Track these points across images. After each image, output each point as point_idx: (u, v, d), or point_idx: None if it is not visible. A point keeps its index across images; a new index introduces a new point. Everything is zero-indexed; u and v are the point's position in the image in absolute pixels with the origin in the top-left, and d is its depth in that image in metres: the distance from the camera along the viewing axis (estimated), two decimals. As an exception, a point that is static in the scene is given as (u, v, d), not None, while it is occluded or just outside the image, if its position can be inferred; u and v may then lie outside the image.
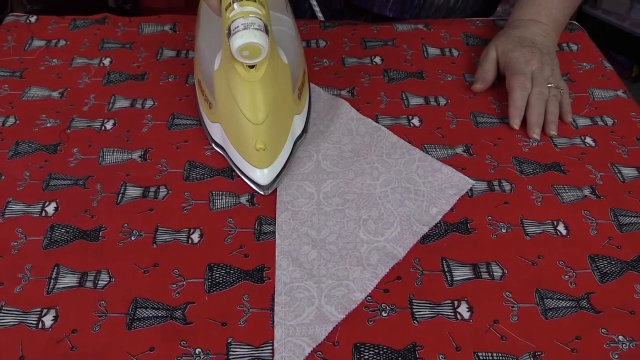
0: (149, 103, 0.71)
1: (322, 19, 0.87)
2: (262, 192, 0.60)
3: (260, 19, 0.53)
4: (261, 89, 0.57)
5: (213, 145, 0.64)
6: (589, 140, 0.68)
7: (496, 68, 0.75)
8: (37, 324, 0.49)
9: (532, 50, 0.73)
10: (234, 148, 0.60)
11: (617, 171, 0.64)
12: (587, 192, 0.62)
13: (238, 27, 0.52)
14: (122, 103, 0.71)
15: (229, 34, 0.53)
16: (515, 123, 0.69)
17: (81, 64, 0.76)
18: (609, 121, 0.71)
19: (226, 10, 0.55)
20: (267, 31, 0.53)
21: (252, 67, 0.56)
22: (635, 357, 0.48)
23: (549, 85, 0.70)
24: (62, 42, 0.80)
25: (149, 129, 0.67)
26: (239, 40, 0.52)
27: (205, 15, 0.69)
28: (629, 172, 0.64)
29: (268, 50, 0.54)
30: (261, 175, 0.59)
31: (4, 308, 0.50)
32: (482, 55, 0.77)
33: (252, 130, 0.58)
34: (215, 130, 0.63)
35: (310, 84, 0.74)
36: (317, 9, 0.86)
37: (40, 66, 0.76)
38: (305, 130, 0.65)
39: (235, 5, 0.54)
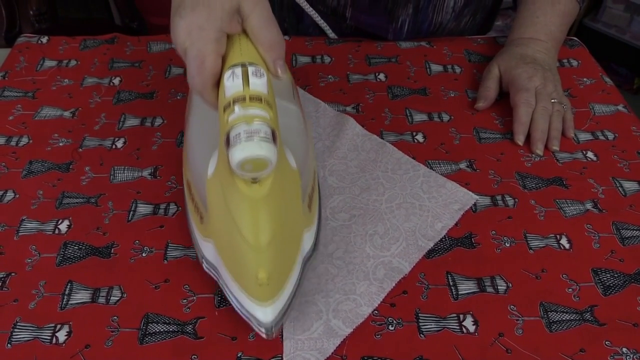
0: (158, 121, 0.72)
1: (335, 37, 0.88)
2: (264, 334, 0.47)
3: (267, 125, 0.43)
4: (266, 208, 0.46)
5: (204, 264, 0.52)
6: (590, 154, 0.69)
7: (498, 85, 0.77)
8: (51, 339, 0.50)
9: (534, 67, 0.74)
10: (229, 275, 0.49)
11: (618, 185, 0.65)
12: (589, 206, 0.63)
13: (239, 135, 0.42)
14: (132, 121, 0.72)
15: (228, 143, 0.42)
16: (520, 139, 0.70)
17: (92, 84, 0.78)
18: (610, 135, 0.72)
19: (224, 111, 0.44)
20: (275, 138, 0.43)
21: (254, 180, 0.45)
22: (639, 369, 0.49)
23: (553, 100, 0.72)
24: (73, 62, 0.81)
25: (159, 147, 0.69)
26: (240, 153, 0.41)
27: (198, 100, 0.53)
28: (630, 185, 0.65)
29: (276, 163, 0.43)
30: (263, 313, 0.47)
31: (18, 324, 0.52)
32: (484, 72, 0.79)
33: (253, 256, 0.46)
34: (207, 249, 0.51)
35: (316, 99, 0.75)
36: (329, 31, 0.87)
37: (52, 86, 0.77)
38: (316, 246, 0.54)
39: (236, 108, 0.43)
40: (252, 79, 0.44)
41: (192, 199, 0.54)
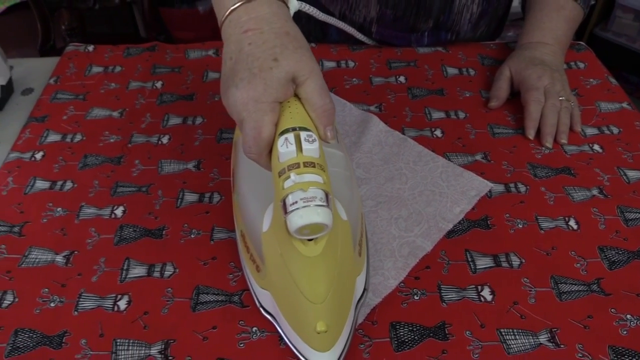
0: (198, 120, 0.79)
1: (373, 42, 0.93)
2: None
3: (322, 190, 0.45)
4: (322, 265, 0.49)
5: (261, 310, 0.55)
6: (596, 147, 0.75)
7: (509, 85, 0.83)
8: (113, 307, 0.57)
9: (543, 68, 0.80)
10: (288, 325, 0.52)
11: (622, 174, 0.71)
12: (595, 192, 0.69)
13: (297, 202, 0.44)
14: (174, 120, 0.79)
15: (285, 209, 0.45)
16: (530, 134, 0.76)
17: (136, 87, 0.85)
18: (615, 130, 0.78)
19: (279, 176, 0.46)
20: (329, 201, 0.45)
21: (310, 239, 0.48)
22: (641, 333, 0.55)
23: (561, 98, 0.78)
24: (118, 68, 0.89)
25: (200, 143, 0.75)
26: (298, 220, 0.44)
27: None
28: (634, 174, 0.71)
29: (332, 225, 0.46)
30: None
31: (83, 294, 0.58)
32: (496, 74, 0.85)
33: (312, 310, 0.49)
34: (265, 298, 0.54)
35: (342, 99, 0.82)
36: (363, 38, 0.92)
37: (100, 89, 0.85)
38: (366, 288, 0.56)
39: (292, 175, 0.45)
40: (304, 145, 0.46)
41: (247, 249, 0.56)
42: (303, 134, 0.47)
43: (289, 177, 0.45)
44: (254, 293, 0.56)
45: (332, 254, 0.49)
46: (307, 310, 0.49)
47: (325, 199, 0.45)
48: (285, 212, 0.45)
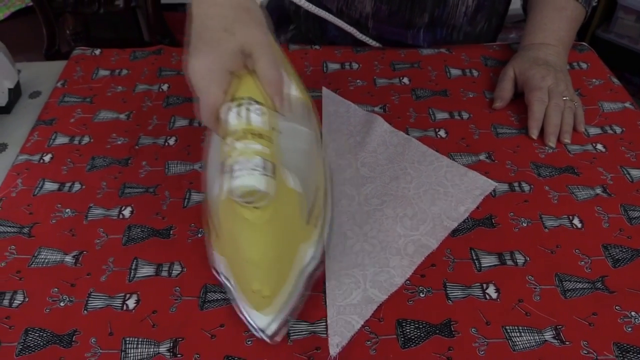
0: (204, 121, 0.80)
1: (379, 45, 0.94)
2: (264, 337, 0.53)
3: (264, 159, 0.47)
4: (263, 229, 0.50)
5: (215, 273, 0.58)
6: (599, 146, 0.76)
7: (513, 86, 0.84)
8: (122, 306, 0.58)
9: (547, 68, 0.81)
10: (237, 286, 0.55)
11: (626, 172, 0.72)
12: (599, 190, 0.69)
13: (237, 169, 0.46)
14: (181, 122, 0.80)
15: (225, 174, 0.46)
16: (534, 133, 0.77)
17: (143, 90, 0.86)
18: (618, 130, 0.78)
19: (225, 143, 0.48)
20: (271, 171, 0.47)
21: (249, 203, 0.49)
22: (646, 330, 0.55)
23: (564, 98, 0.78)
24: (124, 71, 0.90)
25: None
26: (234, 183, 0.45)
27: None
28: (637, 173, 0.71)
29: (266, 190, 0.46)
30: (259, 319, 0.53)
31: (92, 294, 0.59)
32: (500, 74, 0.86)
33: (250, 270, 0.52)
34: (221, 263, 0.57)
35: (347, 101, 0.82)
36: (368, 39, 0.93)
37: (107, 92, 0.86)
38: (319, 258, 0.58)
39: (236, 143, 0.47)
40: (252, 116, 0.48)
41: (210, 217, 0.59)
42: (252, 106, 0.49)
43: (233, 144, 0.47)
44: (213, 259, 0.58)
45: (274, 220, 0.51)
46: (246, 270, 0.52)
47: (266, 167, 0.46)
48: (225, 176, 0.46)
